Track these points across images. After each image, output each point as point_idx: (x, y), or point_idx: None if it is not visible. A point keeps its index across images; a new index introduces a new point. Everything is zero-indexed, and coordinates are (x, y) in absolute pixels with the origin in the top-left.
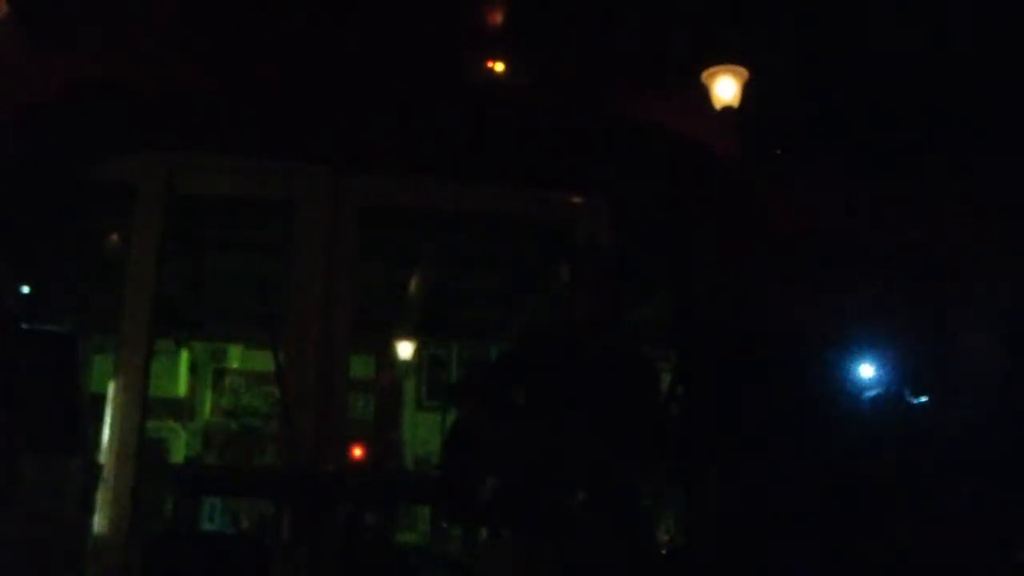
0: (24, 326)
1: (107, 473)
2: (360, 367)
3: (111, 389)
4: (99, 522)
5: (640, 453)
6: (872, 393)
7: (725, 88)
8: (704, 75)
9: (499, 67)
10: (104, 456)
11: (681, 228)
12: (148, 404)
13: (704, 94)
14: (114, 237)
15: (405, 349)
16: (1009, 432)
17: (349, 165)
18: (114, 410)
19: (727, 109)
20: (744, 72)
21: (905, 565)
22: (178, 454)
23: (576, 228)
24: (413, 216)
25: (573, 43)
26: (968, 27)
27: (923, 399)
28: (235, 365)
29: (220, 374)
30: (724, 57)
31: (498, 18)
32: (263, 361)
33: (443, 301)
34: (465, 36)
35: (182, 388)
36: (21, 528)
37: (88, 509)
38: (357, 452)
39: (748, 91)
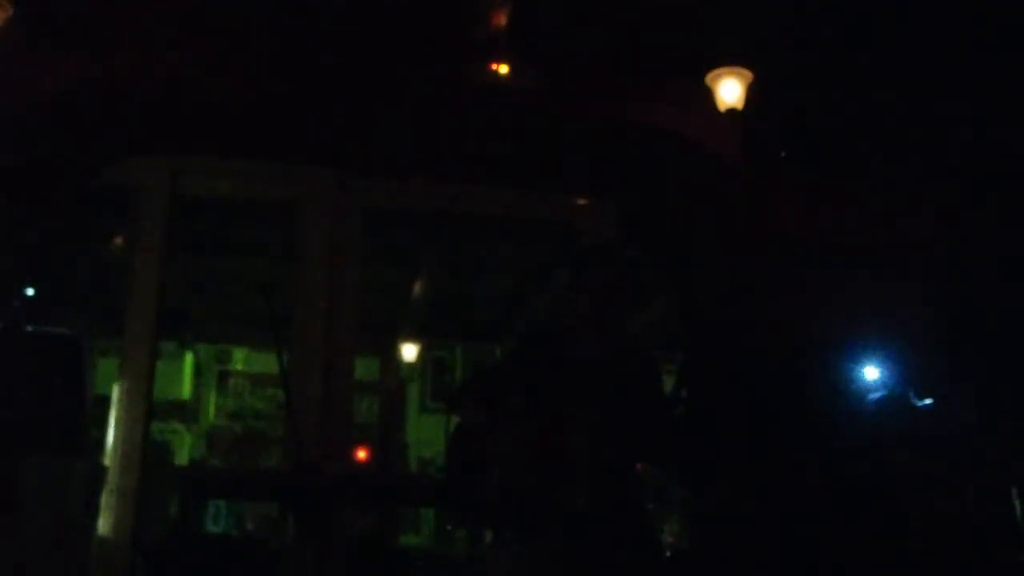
0: (29, 328)
1: (111, 475)
2: (364, 369)
3: (115, 391)
4: (103, 524)
5: (643, 455)
6: (877, 395)
7: (729, 90)
8: (708, 77)
9: (503, 70)
10: (108, 458)
11: (685, 230)
12: (152, 406)
13: (708, 96)
14: (119, 240)
15: (409, 351)
16: (1011, 434)
17: (353, 167)
18: (118, 412)
19: (731, 111)
20: (748, 74)
21: (908, 565)
22: (182, 456)
23: (580, 230)
24: (417, 218)
25: (576, 46)
26: (970, 29)
27: (928, 401)
28: (239, 367)
29: (224, 376)
30: (728, 59)
31: (502, 21)
32: (267, 363)
33: (447, 303)
34: (469, 39)
35: (186, 390)
36: (25, 530)
37: (92, 511)
38: (361, 454)
39: (752, 93)
